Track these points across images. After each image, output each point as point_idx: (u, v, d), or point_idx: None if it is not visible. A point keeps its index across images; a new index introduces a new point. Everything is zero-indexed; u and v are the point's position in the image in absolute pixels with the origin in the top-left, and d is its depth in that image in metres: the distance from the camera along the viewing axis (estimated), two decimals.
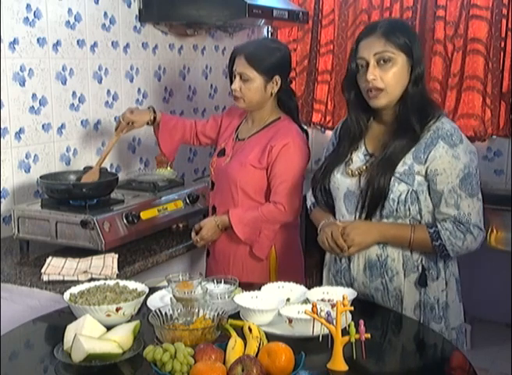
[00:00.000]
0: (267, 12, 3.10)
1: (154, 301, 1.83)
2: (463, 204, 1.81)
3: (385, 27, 1.82)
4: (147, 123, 2.61)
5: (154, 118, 2.60)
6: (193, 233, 2.47)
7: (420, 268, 1.88)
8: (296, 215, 2.39)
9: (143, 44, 3.20)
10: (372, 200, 1.84)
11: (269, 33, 4.17)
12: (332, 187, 1.98)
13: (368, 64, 1.82)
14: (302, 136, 2.39)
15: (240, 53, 2.34)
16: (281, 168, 2.31)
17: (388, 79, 1.81)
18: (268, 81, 2.33)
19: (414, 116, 1.83)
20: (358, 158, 1.94)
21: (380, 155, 1.87)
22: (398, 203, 1.83)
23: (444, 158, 1.80)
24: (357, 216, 1.91)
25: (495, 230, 3.50)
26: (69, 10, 2.76)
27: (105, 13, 2.95)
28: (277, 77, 2.33)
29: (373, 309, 1.89)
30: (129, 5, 3.09)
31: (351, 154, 1.95)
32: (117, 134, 2.61)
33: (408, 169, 1.82)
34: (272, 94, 2.36)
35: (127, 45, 3.10)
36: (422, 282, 1.87)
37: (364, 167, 1.90)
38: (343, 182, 1.94)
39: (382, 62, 1.81)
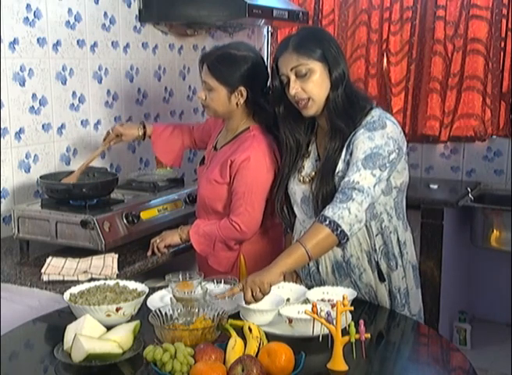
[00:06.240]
0: (267, 12, 3.10)
1: (154, 301, 1.83)
2: (356, 174, 1.79)
3: (296, 42, 1.89)
4: (137, 138, 2.59)
5: (145, 133, 2.57)
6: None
7: (378, 263, 1.94)
8: (254, 232, 2.23)
9: (143, 44, 3.20)
10: (325, 204, 1.83)
11: (269, 33, 4.17)
12: (290, 192, 2.05)
13: (289, 79, 1.89)
14: (266, 149, 2.20)
15: (204, 61, 2.23)
16: (240, 184, 2.19)
17: (309, 89, 1.88)
18: (232, 92, 2.18)
19: (339, 119, 1.89)
20: (309, 164, 2.00)
21: (322, 159, 1.94)
22: None
23: (359, 139, 1.84)
24: None
25: (495, 230, 3.49)
26: (69, 10, 2.76)
27: (105, 13, 2.95)
28: (242, 88, 2.17)
29: (371, 309, 1.90)
30: (129, 5, 3.09)
31: (303, 161, 2.01)
32: (104, 144, 2.60)
33: (346, 163, 1.87)
34: (237, 105, 2.20)
35: (127, 45, 3.10)
36: (381, 277, 1.93)
37: (313, 173, 1.97)
38: (298, 189, 2.01)
39: (300, 75, 1.87)
